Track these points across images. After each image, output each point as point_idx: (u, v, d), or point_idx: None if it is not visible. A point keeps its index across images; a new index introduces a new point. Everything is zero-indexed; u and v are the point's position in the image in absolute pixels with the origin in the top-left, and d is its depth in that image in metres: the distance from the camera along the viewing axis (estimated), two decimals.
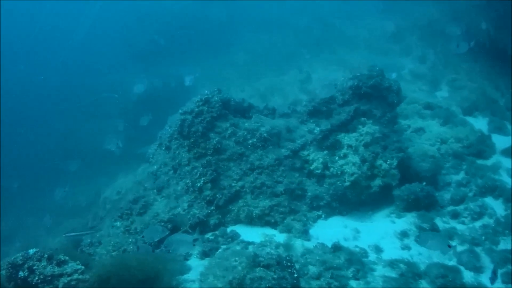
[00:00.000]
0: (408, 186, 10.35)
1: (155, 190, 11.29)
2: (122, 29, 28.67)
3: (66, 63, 26.40)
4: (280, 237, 9.67)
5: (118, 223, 10.56)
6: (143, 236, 9.00)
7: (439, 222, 9.82)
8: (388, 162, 10.59)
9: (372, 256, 8.93)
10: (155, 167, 11.75)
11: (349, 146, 10.89)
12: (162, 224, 9.98)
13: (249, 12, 26.76)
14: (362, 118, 11.17)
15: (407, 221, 9.94)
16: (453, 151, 12.03)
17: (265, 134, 11.04)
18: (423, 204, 10.23)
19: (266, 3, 28.51)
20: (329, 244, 8.92)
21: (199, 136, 10.66)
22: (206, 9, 26.20)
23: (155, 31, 25.66)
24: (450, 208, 10.30)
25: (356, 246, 9.17)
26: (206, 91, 11.29)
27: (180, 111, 10.97)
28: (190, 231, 9.83)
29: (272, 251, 7.69)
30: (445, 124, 13.58)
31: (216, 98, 11.06)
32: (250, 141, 10.96)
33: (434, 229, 9.49)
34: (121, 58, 25.45)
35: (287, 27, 25.81)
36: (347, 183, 10.51)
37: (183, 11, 27.32)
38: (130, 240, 9.82)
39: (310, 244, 9.18)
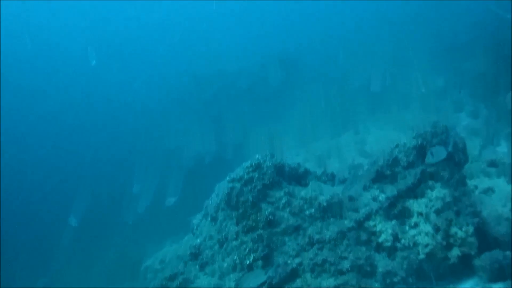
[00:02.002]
0: (488, 255, 8.94)
1: (197, 266, 10.03)
2: (179, 89, 28.70)
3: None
4: None
5: None
6: None
7: None
8: (463, 229, 9.16)
9: None
10: (199, 240, 10.51)
11: (419, 214, 9.55)
12: None
13: (302, 72, 26.27)
14: (430, 181, 9.85)
15: None
16: None
17: (324, 204, 9.68)
18: (508, 273, 8.72)
19: (318, 61, 28.13)
20: None
21: (249, 207, 9.43)
22: (262, 71, 25.92)
23: (213, 93, 25.56)
24: None
25: None
26: (257, 156, 10.21)
27: (227, 178, 9.88)
28: None
29: None
30: None
31: (269, 164, 9.91)
32: (307, 212, 9.61)
33: None
34: (173, 119, 25.37)
35: (340, 85, 25.19)
36: (422, 256, 9.11)
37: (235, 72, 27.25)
38: None
39: None
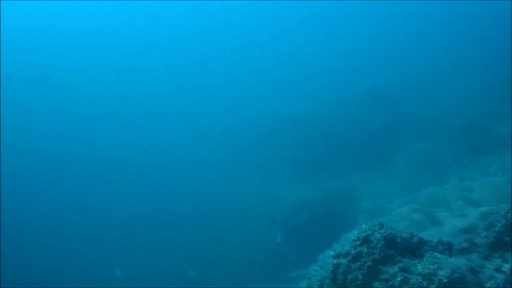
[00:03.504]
0: None
1: None
2: (272, 134, 28.41)
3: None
4: None
5: None
6: None
7: None
8: None
9: None
10: None
11: None
12: None
13: (407, 119, 24.94)
14: None
15: None
16: None
17: (445, 280, 8.50)
18: None
19: (417, 99, 26.74)
20: None
21: (359, 286, 8.53)
22: (356, 112, 25.02)
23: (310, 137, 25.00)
24: None
25: None
26: (364, 226, 9.34)
27: (331, 252, 9.09)
28: None
29: None
30: None
31: (378, 236, 8.97)
32: None
33: None
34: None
35: (442, 131, 23.68)
36: None
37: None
38: None
39: None
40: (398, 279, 8.63)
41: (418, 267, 8.84)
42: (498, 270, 8.86)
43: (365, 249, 8.85)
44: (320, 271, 9.67)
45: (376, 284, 8.58)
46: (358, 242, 8.97)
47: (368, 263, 8.69)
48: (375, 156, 22.14)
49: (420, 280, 8.59)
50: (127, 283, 19.15)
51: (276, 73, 38.48)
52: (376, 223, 9.37)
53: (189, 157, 28.51)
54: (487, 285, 8.69)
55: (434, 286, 8.45)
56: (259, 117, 30.01)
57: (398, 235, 9.39)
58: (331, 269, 8.87)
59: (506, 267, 8.82)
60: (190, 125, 32.59)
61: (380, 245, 8.90)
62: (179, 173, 26.92)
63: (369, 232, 9.10)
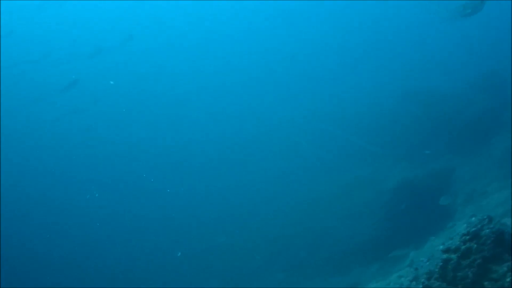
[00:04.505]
0: None
1: None
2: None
3: None
4: None
5: None
6: None
7: None
8: None
9: None
10: None
11: None
12: None
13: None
14: None
15: None
16: None
17: None
18: None
19: None
20: None
21: (469, 285, 8.57)
22: (470, 93, 23.79)
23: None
24: None
25: None
26: (473, 219, 9.26)
27: (441, 247, 9.16)
28: None
29: None
30: None
31: (487, 231, 8.88)
32: None
33: None
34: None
35: None
36: None
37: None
38: None
39: None
40: (508, 279, 8.52)
41: None
42: None
43: (475, 245, 8.83)
44: (427, 263, 9.82)
45: (486, 283, 8.57)
46: (468, 237, 8.96)
47: (478, 261, 8.68)
48: (475, 137, 21.14)
49: None
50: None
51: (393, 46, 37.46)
52: (485, 217, 9.26)
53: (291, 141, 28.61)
54: None
55: None
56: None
57: (507, 231, 9.21)
58: (441, 264, 8.98)
59: None
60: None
61: (489, 241, 8.83)
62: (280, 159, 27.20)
63: (479, 227, 9.04)
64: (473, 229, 9.04)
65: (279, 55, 39.24)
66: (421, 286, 9.99)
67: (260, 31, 43.32)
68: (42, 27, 40.21)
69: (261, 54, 40.05)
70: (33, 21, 39.90)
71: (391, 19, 39.45)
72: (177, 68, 40.05)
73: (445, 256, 9.00)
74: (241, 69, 39.10)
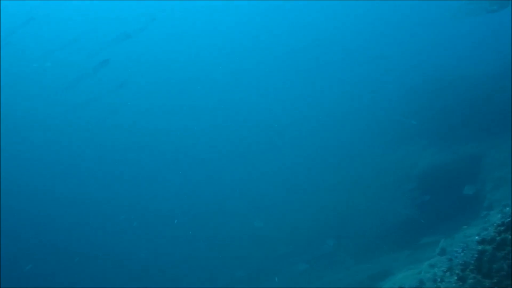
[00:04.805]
0: None
1: None
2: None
3: None
4: None
5: None
6: None
7: None
8: None
9: None
10: None
11: None
12: None
13: None
14: None
15: None
16: None
17: None
18: None
19: None
20: None
21: (504, 277, 8.48)
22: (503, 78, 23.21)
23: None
24: None
25: None
26: (507, 209, 9.16)
27: (476, 237, 9.06)
28: None
29: None
30: None
31: None
32: None
33: None
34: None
35: None
36: None
37: None
38: None
39: None
40: None
41: None
42: None
43: (510, 236, 8.72)
44: (462, 254, 9.74)
45: None
46: (503, 228, 8.85)
47: None
48: (505, 122, 20.76)
49: None
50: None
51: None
52: None
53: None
54: None
55: None
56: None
57: None
58: (476, 255, 8.89)
59: None
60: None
61: None
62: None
63: None
64: (508, 219, 8.93)
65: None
66: (455, 278, 9.96)
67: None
68: (64, 15, 40.40)
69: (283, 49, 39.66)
70: (55, 9, 40.20)
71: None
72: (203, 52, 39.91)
73: (480, 247, 8.90)
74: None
